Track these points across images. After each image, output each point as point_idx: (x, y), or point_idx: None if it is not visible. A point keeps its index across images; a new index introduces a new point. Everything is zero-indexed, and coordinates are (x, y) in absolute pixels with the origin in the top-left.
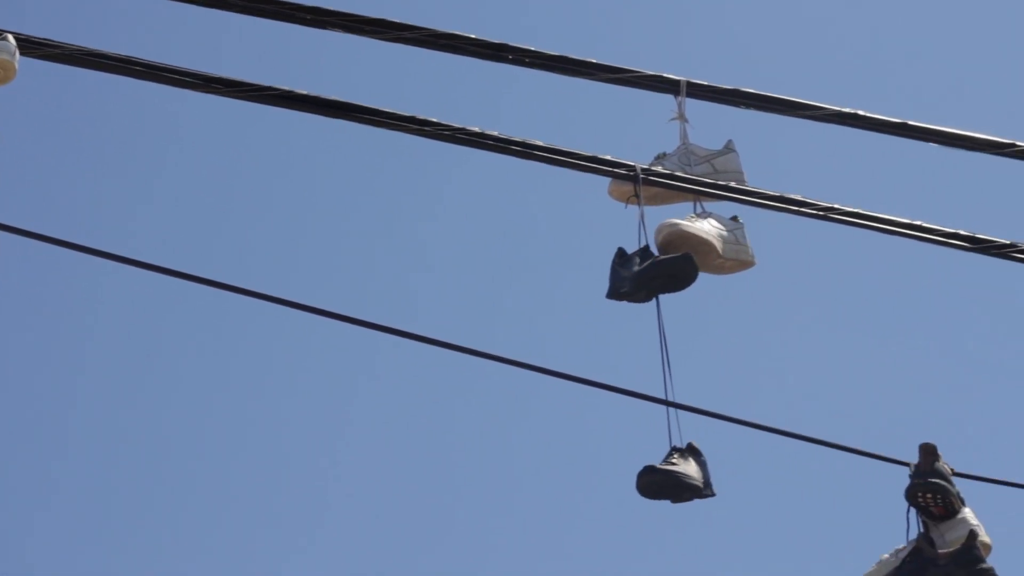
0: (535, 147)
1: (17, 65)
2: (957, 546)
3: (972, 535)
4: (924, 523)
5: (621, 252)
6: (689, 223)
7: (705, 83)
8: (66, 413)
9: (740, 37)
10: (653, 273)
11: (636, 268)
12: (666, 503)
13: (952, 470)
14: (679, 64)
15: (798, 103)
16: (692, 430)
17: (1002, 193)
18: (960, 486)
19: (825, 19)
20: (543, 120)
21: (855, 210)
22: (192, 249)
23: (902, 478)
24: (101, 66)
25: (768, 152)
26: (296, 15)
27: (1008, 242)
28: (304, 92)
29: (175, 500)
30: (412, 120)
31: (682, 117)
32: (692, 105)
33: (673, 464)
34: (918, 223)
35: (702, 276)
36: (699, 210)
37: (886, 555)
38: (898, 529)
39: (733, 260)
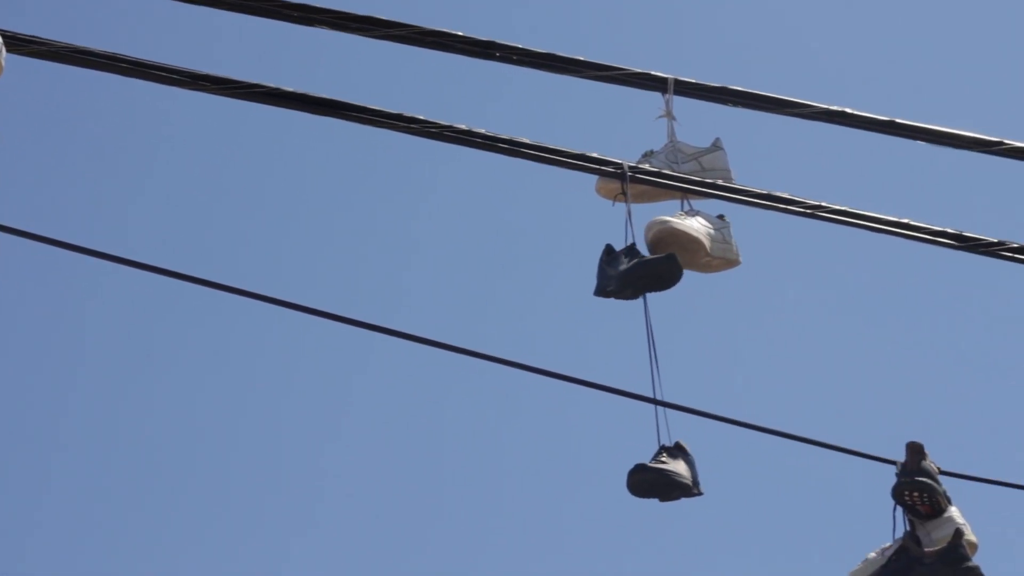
0: (523, 145)
1: (4, 62)
2: (943, 545)
3: (958, 534)
4: (910, 521)
5: (609, 250)
6: (679, 221)
7: (693, 81)
8: (56, 412)
9: (728, 35)
10: (638, 273)
11: (622, 267)
12: (654, 502)
13: (938, 469)
14: (667, 62)
15: (786, 101)
16: (679, 428)
17: (990, 191)
18: (946, 485)
19: (813, 17)
20: (531, 118)
21: (842, 208)
22: (181, 247)
23: (888, 477)
24: (88, 63)
25: (755, 150)
26: (284, 12)
27: (996, 240)
28: (292, 90)
29: (168, 498)
30: (399, 118)
31: (670, 115)
32: (680, 103)
33: (663, 463)
34: (905, 221)
35: (690, 275)
36: (686, 208)
37: (872, 553)
38: (884, 527)
39: (720, 259)
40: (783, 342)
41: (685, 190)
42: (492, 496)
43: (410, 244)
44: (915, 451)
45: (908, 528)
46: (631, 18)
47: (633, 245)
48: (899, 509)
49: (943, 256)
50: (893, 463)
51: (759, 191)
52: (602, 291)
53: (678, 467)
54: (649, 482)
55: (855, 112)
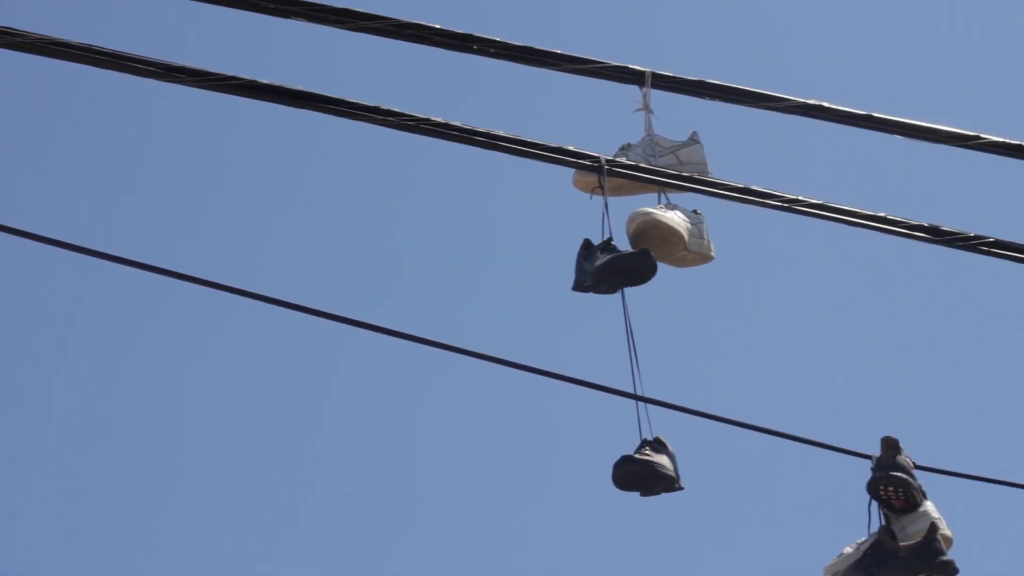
0: (500, 138)
1: None
2: (918, 539)
3: (933, 528)
4: (886, 516)
5: (587, 244)
6: (662, 213)
7: (670, 74)
8: (42, 408)
9: (705, 29)
10: (613, 268)
11: (598, 262)
12: (634, 496)
13: (914, 463)
14: (644, 55)
15: (763, 95)
16: (657, 423)
17: (967, 185)
18: (922, 479)
19: (790, 11)
20: (508, 110)
21: (819, 202)
22: (161, 243)
23: (864, 471)
24: (63, 55)
25: (733, 144)
26: (260, 4)
27: (973, 235)
28: (267, 82)
29: (151, 495)
30: (375, 110)
31: (647, 108)
32: (657, 96)
33: (647, 455)
34: (882, 215)
35: (669, 269)
36: (664, 201)
37: (848, 548)
38: (860, 522)
39: (695, 254)
40: (759, 335)
41: (662, 183)
42: (474, 491)
43: (389, 238)
44: (890, 446)
45: (883, 522)
46: (608, 11)
47: (610, 239)
48: (874, 504)
49: (920, 250)
50: (868, 457)
51: (736, 185)
52: (579, 286)
53: (662, 460)
54: (635, 474)
55: (832, 106)
